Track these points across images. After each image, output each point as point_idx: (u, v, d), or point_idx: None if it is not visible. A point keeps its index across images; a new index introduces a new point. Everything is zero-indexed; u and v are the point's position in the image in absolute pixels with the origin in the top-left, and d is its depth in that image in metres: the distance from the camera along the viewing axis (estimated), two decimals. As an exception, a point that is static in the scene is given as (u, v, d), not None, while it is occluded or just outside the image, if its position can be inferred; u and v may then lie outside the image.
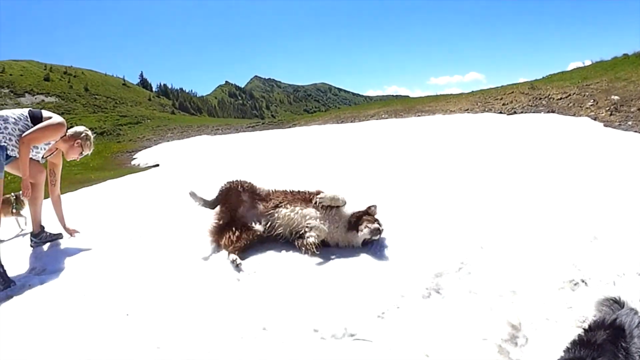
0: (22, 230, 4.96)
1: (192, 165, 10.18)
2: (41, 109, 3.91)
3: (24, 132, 3.52)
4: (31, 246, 4.05)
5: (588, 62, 18.50)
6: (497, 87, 18.53)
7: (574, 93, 12.25)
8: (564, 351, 1.69)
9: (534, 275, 2.49)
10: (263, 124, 26.58)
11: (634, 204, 3.53)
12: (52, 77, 61.31)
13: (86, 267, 3.38)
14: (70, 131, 3.94)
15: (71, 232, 4.20)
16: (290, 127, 20.08)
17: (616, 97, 10.67)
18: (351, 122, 17.36)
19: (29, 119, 3.60)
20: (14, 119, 3.52)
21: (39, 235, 4.09)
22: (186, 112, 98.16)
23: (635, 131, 7.93)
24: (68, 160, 4.11)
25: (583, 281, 2.40)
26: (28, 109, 3.74)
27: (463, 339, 2.04)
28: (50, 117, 3.70)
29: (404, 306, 2.27)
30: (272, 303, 2.47)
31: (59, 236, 4.20)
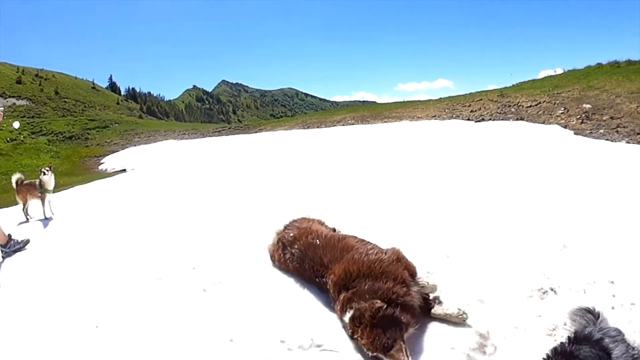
0: (50, 216, 5.36)
1: (158, 171, 10.19)
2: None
3: None
4: (2, 257, 4.03)
5: (560, 71, 18.76)
6: (466, 94, 18.68)
7: (545, 101, 12.41)
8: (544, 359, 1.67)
9: (501, 283, 2.49)
10: (229, 128, 26.43)
11: (604, 212, 3.58)
12: (24, 80, 59.55)
13: (55, 278, 3.32)
14: None
15: None
16: (256, 132, 19.84)
17: (588, 106, 10.78)
18: (317, 127, 17.29)
19: None
20: None
21: (8, 245, 4.09)
22: (153, 117, 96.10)
23: (607, 139, 7.89)
24: None
25: (552, 289, 2.41)
26: None
27: (431, 348, 2.02)
28: None
29: (369, 316, 2.20)
30: (239, 314, 2.42)
31: (27, 242, 4.25)
